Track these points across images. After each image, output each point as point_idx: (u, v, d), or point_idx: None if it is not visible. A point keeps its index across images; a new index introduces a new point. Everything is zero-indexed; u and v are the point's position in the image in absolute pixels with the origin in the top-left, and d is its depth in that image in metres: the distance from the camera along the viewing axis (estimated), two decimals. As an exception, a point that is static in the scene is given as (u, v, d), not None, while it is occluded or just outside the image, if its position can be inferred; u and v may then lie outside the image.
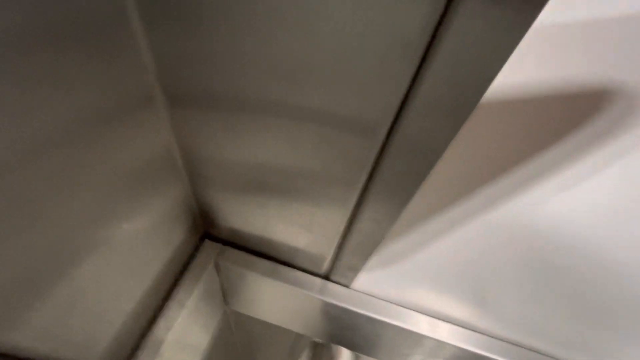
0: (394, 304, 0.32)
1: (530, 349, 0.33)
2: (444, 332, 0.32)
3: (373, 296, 0.32)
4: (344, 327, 0.34)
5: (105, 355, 0.23)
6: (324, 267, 0.31)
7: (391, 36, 0.13)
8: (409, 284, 0.31)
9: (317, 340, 0.39)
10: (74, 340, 0.20)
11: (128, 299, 0.24)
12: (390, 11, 0.12)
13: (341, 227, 0.25)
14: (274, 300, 0.35)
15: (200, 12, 0.15)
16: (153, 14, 0.15)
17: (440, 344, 0.32)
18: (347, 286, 0.32)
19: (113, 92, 0.16)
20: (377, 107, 0.16)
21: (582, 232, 0.26)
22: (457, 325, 0.32)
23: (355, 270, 0.29)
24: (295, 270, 0.32)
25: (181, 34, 0.16)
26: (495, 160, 0.24)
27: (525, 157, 0.23)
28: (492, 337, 0.32)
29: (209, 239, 0.33)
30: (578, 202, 0.24)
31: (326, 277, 0.32)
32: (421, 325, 0.31)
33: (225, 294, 0.37)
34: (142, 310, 0.26)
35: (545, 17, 0.10)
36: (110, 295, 0.22)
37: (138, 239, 0.23)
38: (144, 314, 0.27)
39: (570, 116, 0.21)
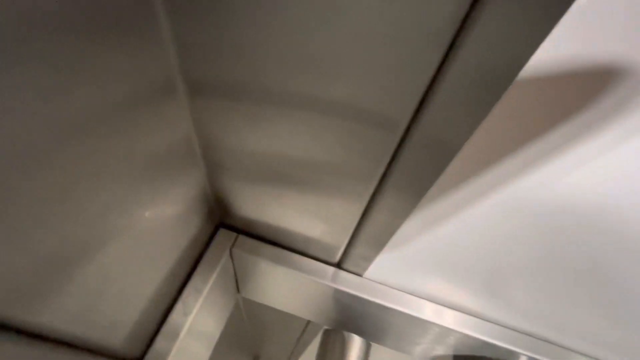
0: (407, 292, 0.32)
1: (548, 341, 0.33)
2: (456, 321, 0.32)
3: (385, 285, 0.32)
4: (356, 315, 0.34)
5: (127, 339, 0.24)
6: (337, 256, 0.31)
7: (418, 23, 0.13)
8: (421, 273, 0.31)
9: (328, 327, 0.39)
10: (100, 323, 0.21)
11: (149, 286, 0.25)
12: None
13: (356, 218, 0.26)
14: (287, 288, 0.35)
15: (224, 1, 0.15)
16: (177, 2, 0.16)
17: (451, 332, 0.32)
18: (359, 275, 0.32)
19: (136, 81, 0.17)
20: (400, 97, 0.16)
21: (598, 213, 0.25)
22: (469, 314, 0.33)
23: (368, 259, 0.30)
24: (309, 259, 0.33)
25: (204, 22, 0.16)
26: (504, 141, 0.24)
27: (532, 138, 0.23)
28: (504, 326, 0.33)
29: (224, 228, 0.34)
30: (591, 180, 0.24)
31: (339, 266, 0.33)
32: (433, 314, 0.32)
33: (239, 282, 0.38)
34: (161, 297, 0.27)
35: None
36: (133, 281, 0.23)
37: (158, 227, 0.24)
38: (162, 301, 0.28)
39: (582, 93, 0.20)
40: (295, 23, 0.15)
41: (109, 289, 0.20)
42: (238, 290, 0.40)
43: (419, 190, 0.21)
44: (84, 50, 0.13)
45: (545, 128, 0.23)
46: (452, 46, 0.13)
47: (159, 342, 0.27)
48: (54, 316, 0.17)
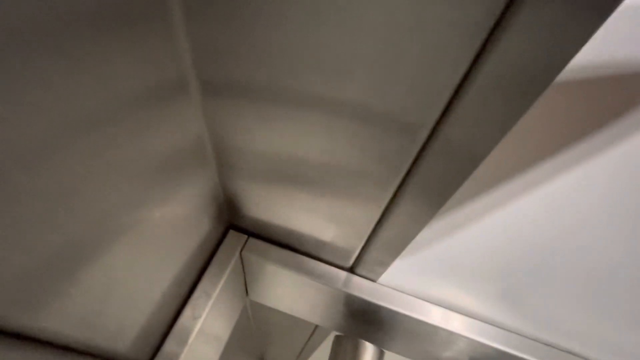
0: (422, 299, 0.31)
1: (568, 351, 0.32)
2: (473, 329, 0.31)
3: (400, 291, 0.31)
4: (369, 322, 0.33)
5: (136, 342, 0.23)
6: (351, 260, 0.30)
7: (451, 14, 0.12)
8: (438, 279, 0.30)
9: (339, 333, 0.38)
10: (107, 327, 0.20)
11: (157, 288, 0.24)
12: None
13: (372, 222, 0.25)
14: (298, 293, 0.35)
15: (239, 1, 0.14)
16: (192, 0, 0.15)
17: (468, 340, 0.31)
18: (373, 280, 0.31)
19: (148, 79, 0.16)
20: (425, 98, 0.15)
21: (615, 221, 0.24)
22: (487, 322, 0.32)
23: (384, 265, 0.29)
24: (321, 263, 0.32)
25: (219, 22, 0.15)
26: (529, 147, 0.23)
27: (558, 145, 0.22)
28: (523, 336, 0.32)
29: (234, 230, 0.33)
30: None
31: (352, 271, 0.32)
32: (449, 321, 0.31)
33: (248, 285, 0.37)
34: (169, 300, 0.27)
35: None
36: (140, 284, 0.22)
37: (168, 227, 0.23)
38: (171, 304, 0.27)
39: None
40: (311, 18, 0.14)
41: (117, 291, 0.20)
42: (247, 293, 0.39)
43: (440, 197, 0.20)
44: (95, 44, 0.12)
45: (570, 138, 0.22)
46: (486, 42, 0.12)
47: (168, 346, 0.27)
48: (58, 320, 0.16)
